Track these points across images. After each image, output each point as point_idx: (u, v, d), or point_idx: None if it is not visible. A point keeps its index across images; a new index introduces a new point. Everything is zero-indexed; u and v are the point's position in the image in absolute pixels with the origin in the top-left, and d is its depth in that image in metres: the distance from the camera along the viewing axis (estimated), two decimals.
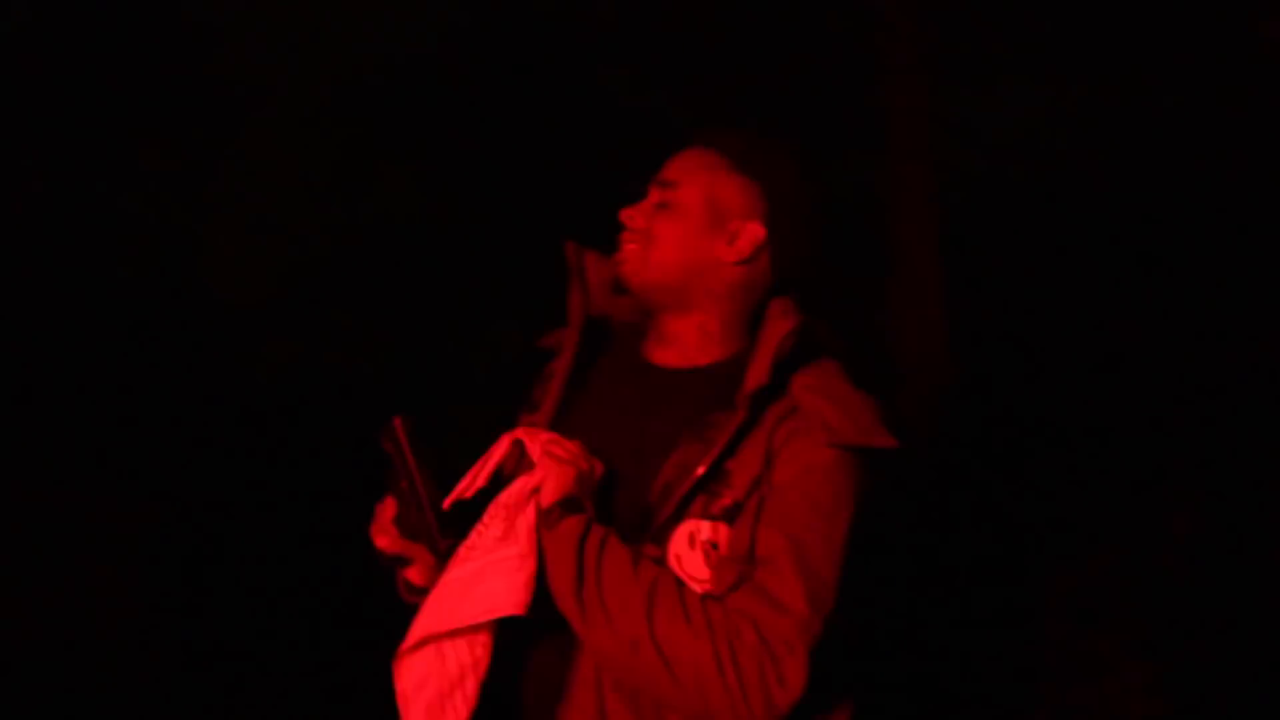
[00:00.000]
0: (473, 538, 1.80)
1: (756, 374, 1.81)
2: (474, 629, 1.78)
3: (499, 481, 1.86)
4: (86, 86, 7.14)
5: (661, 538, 1.77)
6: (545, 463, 1.82)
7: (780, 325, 1.85)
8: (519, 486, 1.82)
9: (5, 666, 5.46)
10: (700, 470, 1.77)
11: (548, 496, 1.78)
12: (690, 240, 1.92)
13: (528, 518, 1.79)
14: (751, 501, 1.78)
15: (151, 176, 7.45)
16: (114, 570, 6.40)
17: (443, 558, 1.84)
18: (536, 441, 1.85)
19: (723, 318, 1.92)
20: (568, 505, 1.78)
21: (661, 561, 1.76)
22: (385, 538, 1.95)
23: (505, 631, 1.79)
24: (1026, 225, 6.30)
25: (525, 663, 1.86)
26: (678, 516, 1.79)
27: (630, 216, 1.97)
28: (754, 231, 1.89)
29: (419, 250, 7.72)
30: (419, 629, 1.81)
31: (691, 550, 1.78)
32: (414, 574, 1.99)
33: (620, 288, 1.98)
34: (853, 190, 6.19)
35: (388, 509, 1.95)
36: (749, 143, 2.00)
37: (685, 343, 1.93)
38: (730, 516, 1.78)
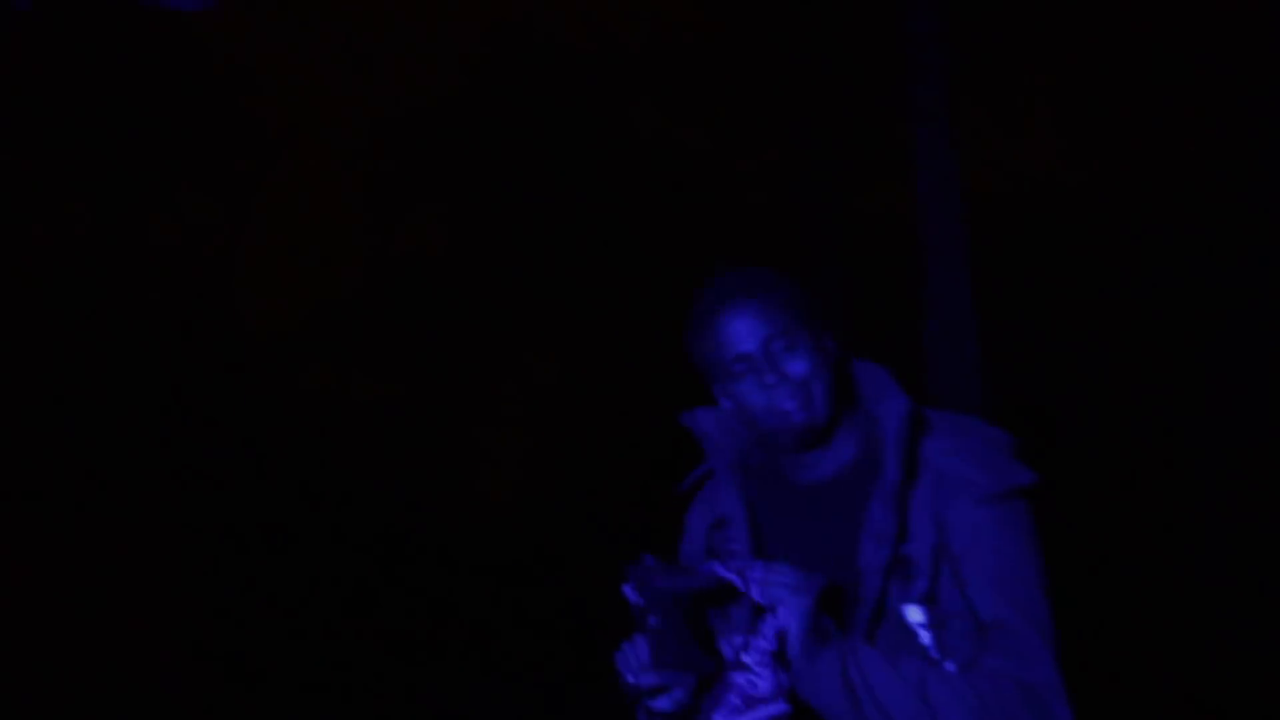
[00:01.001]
0: (740, 689, 1.90)
1: (893, 470, 1.95)
2: None
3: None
4: (126, 125, 7.25)
5: (872, 633, 1.91)
6: (781, 601, 1.93)
7: (891, 411, 2.00)
8: (767, 633, 1.92)
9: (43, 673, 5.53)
10: (885, 568, 1.92)
11: (796, 636, 1.90)
12: (829, 366, 2.05)
13: (775, 660, 1.91)
14: (942, 575, 1.93)
15: (192, 212, 7.54)
16: (148, 590, 6.46)
17: (710, 679, 1.93)
18: (754, 581, 1.95)
19: (842, 413, 2.06)
20: (818, 635, 1.91)
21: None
22: (646, 677, 1.98)
23: None
24: (1055, 251, 6.35)
25: None
26: (881, 610, 1.93)
27: (783, 375, 2.03)
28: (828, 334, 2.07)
29: (449, 281, 7.78)
30: None
31: (909, 634, 1.95)
32: (662, 702, 2.03)
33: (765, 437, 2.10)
34: (883, 220, 6.27)
35: (639, 649, 1.96)
36: (767, 274, 2.14)
37: (831, 455, 2.06)
38: (930, 597, 1.93)
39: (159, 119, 7.50)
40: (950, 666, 1.91)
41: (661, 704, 1.97)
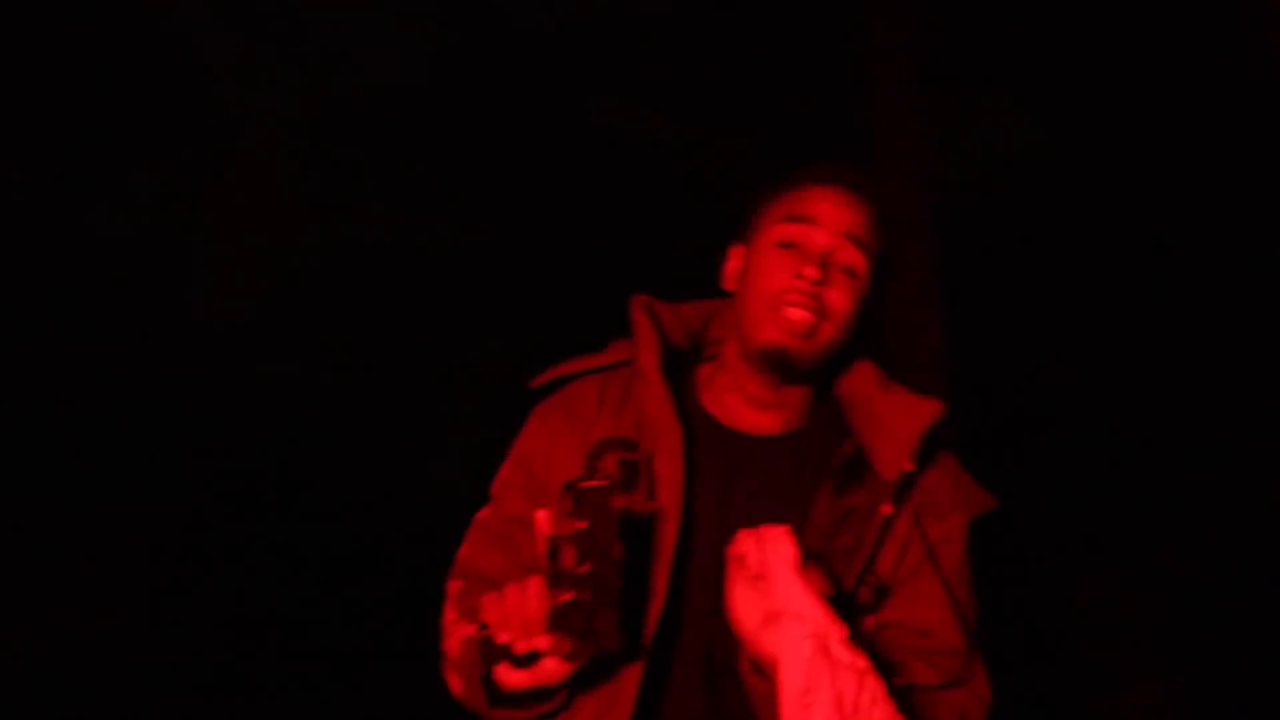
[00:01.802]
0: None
1: (898, 461, 1.70)
2: None
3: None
4: (77, 111, 7.13)
5: None
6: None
7: (921, 408, 1.75)
8: (829, 628, 1.61)
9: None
10: (858, 570, 1.70)
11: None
12: (858, 312, 1.78)
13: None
14: (899, 581, 1.72)
15: (141, 200, 7.44)
16: (102, 586, 6.38)
17: (611, 658, 1.49)
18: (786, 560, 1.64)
19: (821, 380, 1.80)
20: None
21: None
22: (537, 638, 1.47)
23: None
24: (1020, 238, 6.33)
25: None
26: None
27: (820, 283, 1.73)
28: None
29: (406, 272, 7.72)
30: None
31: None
32: (518, 677, 1.57)
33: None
34: None
35: (528, 599, 1.48)
36: (881, 200, 1.83)
37: (786, 410, 1.78)
38: (877, 604, 1.71)
39: (107, 104, 7.37)
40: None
41: (515, 679, 1.54)
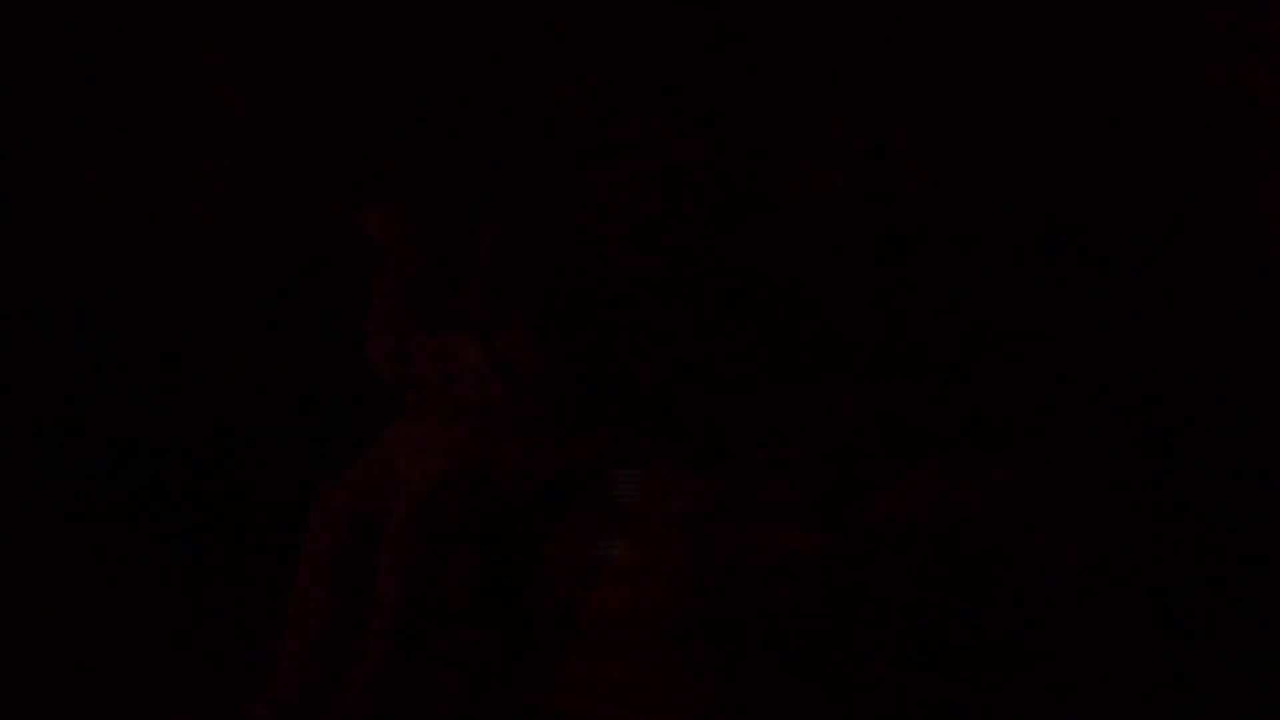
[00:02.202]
0: None
1: None
2: None
3: None
4: (31, 96, 7.10)
5: None
6: None
7: None
8: None
9: None
10: None
11: None
12: None
13: None
14: None
15: (98, 188, 7.41)
16: (55, 589, 6.36)
17: None
18: None
19: None
20: None
21: None
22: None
23: None
24: (978, 242, 6.35)
25: None
26: None
27: None
28: None
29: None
30: None
31: None
32: None
33: None
34: (810, 208, 6.22)
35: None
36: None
37: None
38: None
39: (64, 89, 7.33)
40: None
41: None
